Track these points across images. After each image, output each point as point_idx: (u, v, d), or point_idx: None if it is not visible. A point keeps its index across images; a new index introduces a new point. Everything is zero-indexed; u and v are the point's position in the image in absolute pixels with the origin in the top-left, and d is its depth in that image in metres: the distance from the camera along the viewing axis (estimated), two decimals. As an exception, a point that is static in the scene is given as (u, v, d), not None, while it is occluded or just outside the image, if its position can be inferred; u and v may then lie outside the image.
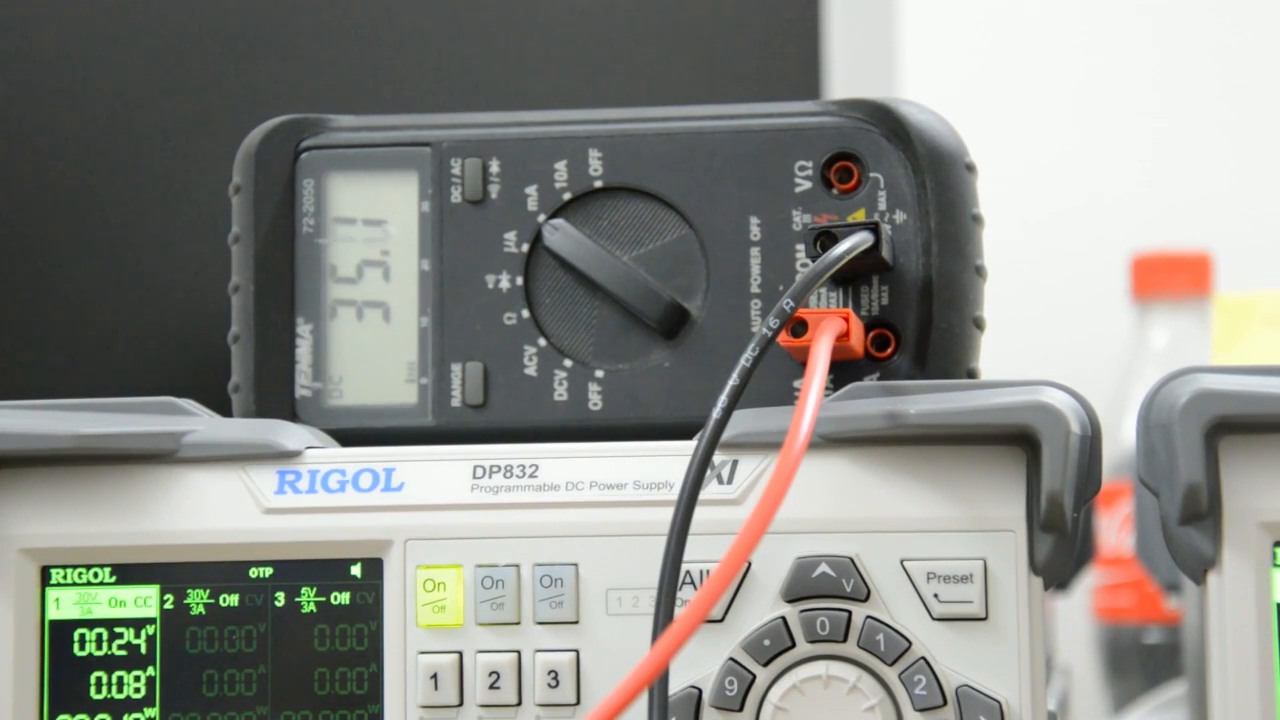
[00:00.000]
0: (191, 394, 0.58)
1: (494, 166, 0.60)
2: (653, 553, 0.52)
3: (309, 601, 0.55)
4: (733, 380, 0.52)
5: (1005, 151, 1.24)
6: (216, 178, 0.64)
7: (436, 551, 0.55)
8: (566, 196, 0.60)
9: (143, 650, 0.55)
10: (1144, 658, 1.08)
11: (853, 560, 0.53)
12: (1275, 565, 0.53)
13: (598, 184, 0.59)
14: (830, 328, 0.54)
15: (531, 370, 0.59)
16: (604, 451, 0.55)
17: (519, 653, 0.54)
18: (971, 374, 0.59)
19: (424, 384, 0.59)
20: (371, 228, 0.60)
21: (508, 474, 0.55)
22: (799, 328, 0.54)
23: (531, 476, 0.55)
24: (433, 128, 0.60)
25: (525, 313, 0.59)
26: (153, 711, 0.55)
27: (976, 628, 0.53)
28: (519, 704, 0.54)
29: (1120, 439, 1.04)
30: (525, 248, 0.60)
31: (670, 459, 0.55)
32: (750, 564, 0.54)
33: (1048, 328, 1.25)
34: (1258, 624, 0.52)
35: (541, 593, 0.54)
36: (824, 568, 0.53)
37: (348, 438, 0.59)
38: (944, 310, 0.58)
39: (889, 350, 0.58)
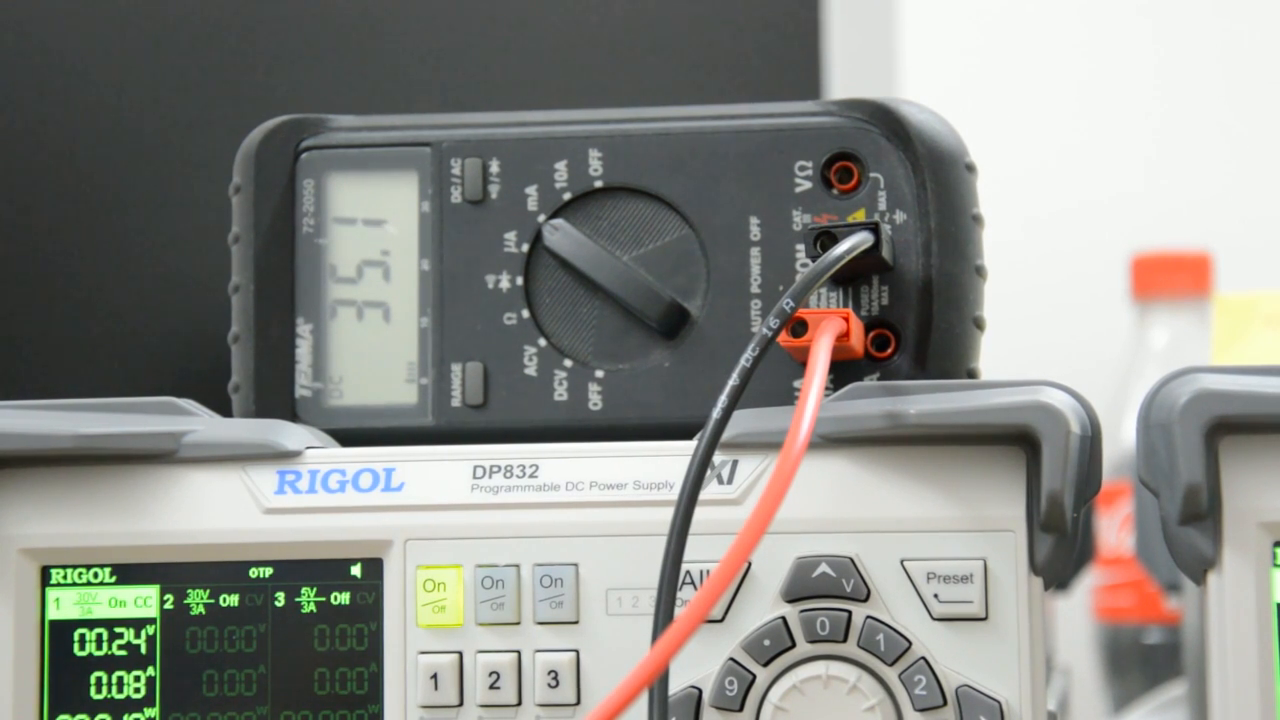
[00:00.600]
0: (191, 394, 0.58)
1: (494, 166, 0.60)
2: (653, 553, 0.52)
3: (309, 601, 0.55)
4: (733, 380, 0.52)
5: (1005, 151, 1.24)
6: (216, 178, 0.64)
7: (436, 551, 0.55)
8: (566, 196, 0.60)
9: (143, 650, 0.55)
10: (1144, 658, 1.08)
11: (853, 560, 0.53)
12: (1275, 565, 0.53)
13: (598, 184, 0.59)
14: (830, 328, 0.54)
15: (531, 370, 0.59)
16: (604, 451, 0.55)
17: (519, 653, 0.54)
18: (971, 374, 0.59)
19: (424, 384, 0.59)
20: (371, 228, 0.60)
21: (508, 474, 0.55)
22: (799, 328, 0.54)
23: (531, 476, 0.55)
24: (433, 128, 0.60)
25: (525, 313, 0.59)
26: (153, 711, 0.55)
27: (976, 628, 0.53)
28: (519, 704, 0.54)
29: (1120, 439, 1.04)
30: (525, 248, 0.60)
31: (670, 459, 0.55)
32: (750, 564, 0.54)
33: (1048, 328, 1.25)
34: (1258, 624, 0.52)
35: (541, 593, 0.54)
36: (824, 568, 0.53)
37: (348, 438, 0.59)
38: (944, 310, 0.58)
39: (889, 350, 0.58)
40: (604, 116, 0.60)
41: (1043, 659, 0.53)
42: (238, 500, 0.55)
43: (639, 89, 0.94)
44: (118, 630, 0.55)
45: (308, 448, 0.56)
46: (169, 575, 0.55)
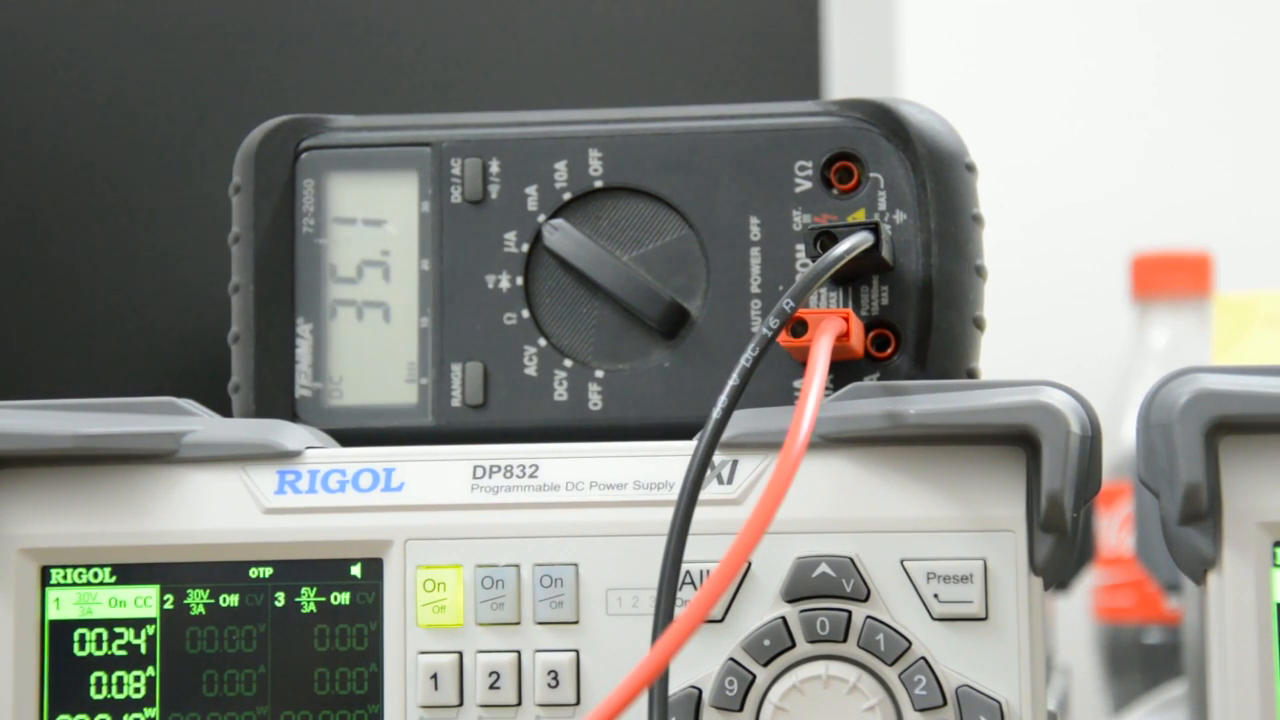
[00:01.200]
0: (191, 394, 0.58)
1: (494, 166, 0.60)
2: (653, 553, 0.52)
3: (309, 601, 0.55)
4: (733, 380, 0.52)
5: (1005, 151, 1.24)
6: (216, 178, 0.64)
7: (436, 551, 0.55)
8: (566, 196, 0.60)
9: (143, 650, 0.55)
10: (1144, 658, 1.08)
11: (853, 560, 0.53)
12: (1275, 565, 0.53)
13: (598, 184, 0.59)
14: (830, 328, 0.54)
15: (531, 370, 0.59)
16: (604, 451, 0.55)
17: (519, 653, 0.54)
18: (971, 374, 0.59)
19: (424, 384, 0.59)
20: (371, 228, 0.60)
21: (508, 474, 0.55)
22: (799, 328, 0.54)
23: (531, 476, 0.55)
24: (433, 128, 0.60)
25: (525, 313, 0.59)
26: (153, 711, 0.55)
27: (976, 628, 0.53)
28: (519, 704, 0.54)
29: (1120, 439, 1.04)
30: (525, 248, 0.60)
31: (670, 459, 0.55)
32: (750, 564, 0.54)
33: (1048, 328, 1.25)
34: (1258, 624, 0.52)
35: (541, 593, 0.54)
36: (824, 568, 0.53)
37: (348, 438, 0.59)
38: (944, 310, 0.58)
39: (889, 350, 0.58)
40: (604, 116, 0.60)
41: (1043, 659, 0.53)
42: (238, 500, 0.55)
43: (639, 89, 0.94)
44: (118, 630, 0.55)
45: (308, 448, 0.56)
46: (169, 575, 0.55)
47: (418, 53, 0.95)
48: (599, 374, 0.59)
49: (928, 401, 0.53)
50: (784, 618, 0.53)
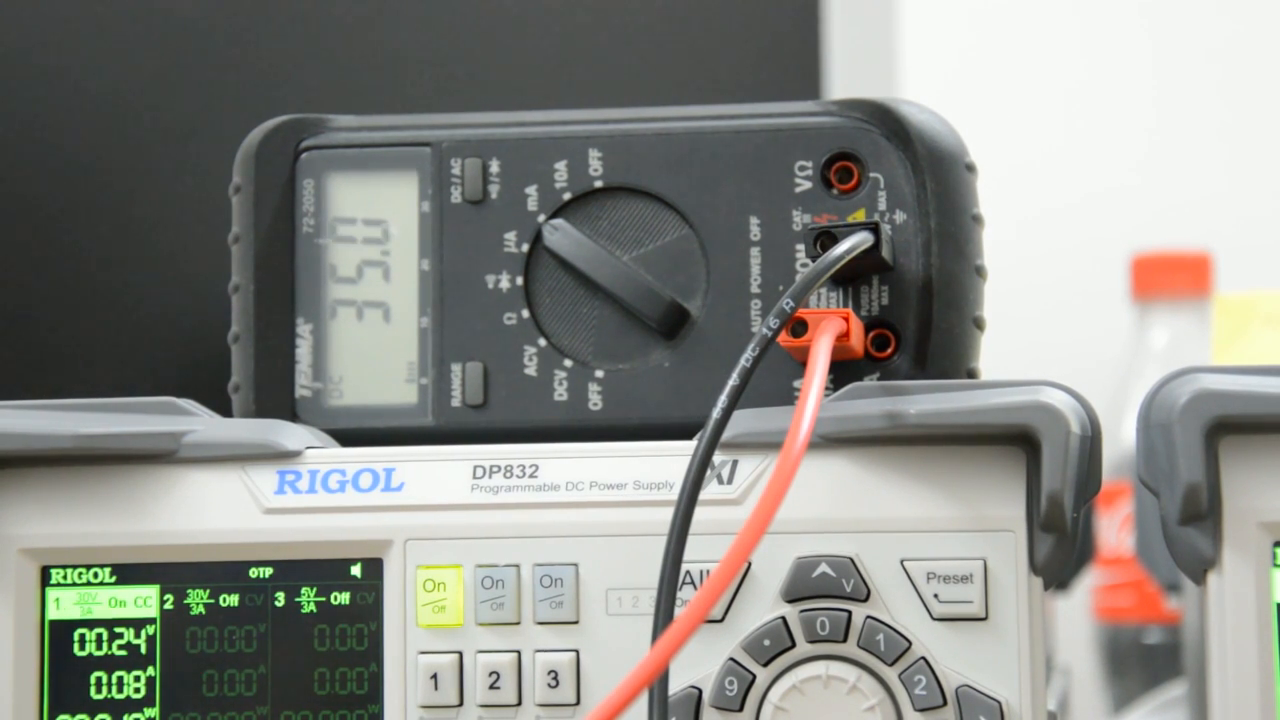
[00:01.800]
0: (191, 394, 0.58)
1: (494, 166, 0.60)
2: (653, 553, 0.52)
3: (309, 601, 0.55)
4: (733, 380, 0.52)
5: (1005, 151, 1.24)
6: (216, 178, 0.64)
7: (436, 551, 0.55)
8: (566, 196, 0.60)
9: (143, 650, 0.55)
10: (1144, 658, 1.08)
11: (853, 560, 0.53)
12: (1275, 565, 0.53)
13: (598, 184, 0.59)
14: (830, 328, 0.54)
15: (531, 370, 0.59)
16: (604, 451, 0.55)
17: (519, 653, 0.54)
18: (971, 374, 0.59)
19: (424, 384, 0.59)
20: (371, 228, 0.60)
21: (508, 474, 0.55)
22: (799, 328, 0.54)
23: (531, 476, 0.55)
24: (433, 128, 0.60)
25: (525, 313, 0.59)
26: (153, 711, 0.55)
27: (976, 628, 0.53)
28: (519, 704, 0.54)
29: (1120, 439, 1.04)
30: (525, 248, 0.60)
31: (670, 459, 0.55)
32: (750, 564, 0.54)
33: (1048, 328, 1.25)
34: (1258, 624, 0.52)
35: (541, 593, 0.54)
36: (824, 568, 0.53)
37: (348, 438, 0.59)
38: (944, 310, 0.58)
39: (889, 350, 0.58)
40: (604, 116, 0.60)
41: (1043, 659, 0.53)
42: (238, 500, 0.55)
43: (639, 89, 0.94)
44: (118, 630, 0.55)
45: (308, 448, 0.56)
46: (169, 575, 0.55)
47: (418, 53, 0.95)
48: (599, 374, 0.59)
49: (928, 401, 0.53)
50: (784, 618, 0.53)
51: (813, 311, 0.55)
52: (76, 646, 0.55)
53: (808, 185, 0.59)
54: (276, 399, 0.60)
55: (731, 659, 0.53)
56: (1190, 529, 0.52)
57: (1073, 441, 0.52)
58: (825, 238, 0.56)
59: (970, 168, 0.59)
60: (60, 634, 0.55)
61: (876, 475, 0.54)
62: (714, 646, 0.53)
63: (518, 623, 0.54)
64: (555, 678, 0.54)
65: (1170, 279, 1.12)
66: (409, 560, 0.55)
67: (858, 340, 0.56)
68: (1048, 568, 0.53)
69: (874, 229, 0.56)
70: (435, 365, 0.59)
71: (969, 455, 0.54)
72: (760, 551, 0.53)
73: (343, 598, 0.55)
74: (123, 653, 0.55)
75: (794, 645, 0.53)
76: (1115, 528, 1.08)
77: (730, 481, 0.54)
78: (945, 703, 0.53)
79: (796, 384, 0.58)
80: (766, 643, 0.53)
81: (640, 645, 0.53)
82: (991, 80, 1.31)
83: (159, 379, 0.91)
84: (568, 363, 0.59)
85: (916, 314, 0.58)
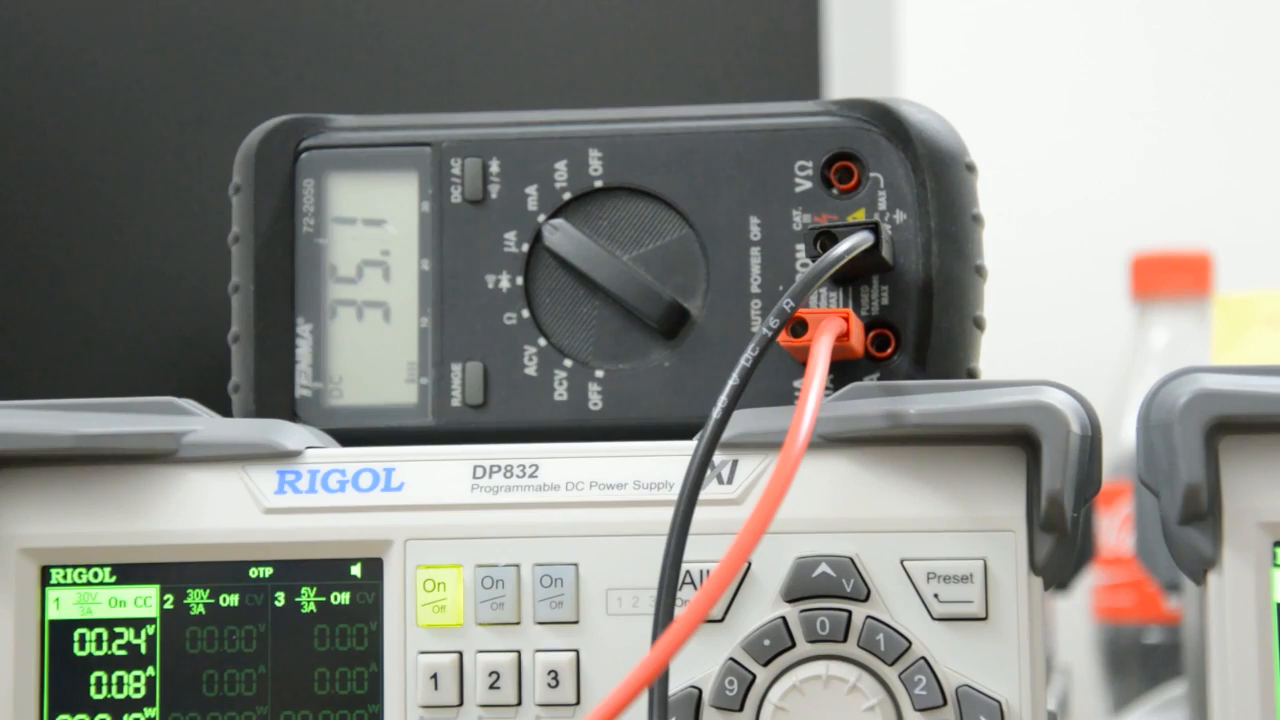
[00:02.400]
0: (191, 394, 0.58)
1: (494, 166, 0.60)
2: (653, 553, 0.52)
3: (309, 601, 0.55)
4: (733, 380, 0.52)
5: (1006, 151, 1.24)
6: (216, 178, 0.64)
7: (436, 551, 0.55)
8: (566, 196, 0.60)
9: (143, 650, 0.55)
10: (1144, 658, 1.08)
11: (853, 560, 0.53)
12: (1275, 565, 0.53)
13: (598, 184, 0.59)
14: (830, 328, 0.54)
15: (531, 370, 0.59)
16: (604, 451, 0.55)
17: (519, 653, 0.54)
18: (971, 374, 0.59)
19: (424, 384, 0.59)
20: (371, 228, 0.60)
21: (508, 474, 0.55)
22: (799, 328, 0.54)
23: (531, 476, 0.55)
24: (433, 128, 0.60)
25: (525, 313, 0.59)
26: (153, 711, 0.55)
27: (976, 628, 0.53)
28: (519, 704, 0.54)
29: (1120, 439, 1.04)
30: (525, 248, 0.60)
31: (670, 459, 0.55)
32: (750, 564, 0.54)
33: (1048, 328, 1.25)
34: (1258, 624, 0.52)
35: (541, 593, 0.54)
36: (824, 568, 0.53)
37: (348, 438, 0.59)
38: (944, 310, 0.58)
39: (889, 350, 0.58)
40: (604, 116, 0.60)
41: (1043, 659, 0.53)
42: (238, 500, 0.55)
43: (639, 89, 0.94)
44: (118, 630, 0.55)
45: (308, 448, 0.56)
46: (169, 575, 0.55)
47: (418, 53, 0.95)
48: (599, 374, 0.59)
49: (928, 401, 0.53)
50: (784, 618, 0.53)
51: (813, 311, 0.55)
52: (76, 646, 0.55)
53: (808, 185, 0.59)
54: (276, 399, 0.60)
55: (731, 659, 0.53)
56: (1190, 529, 0.52)
57: (1073, 441, 0.52)
58: (825, 238, 0.56)
59: (970, 168, 0.59)
60: (60, 634, 0.55)
61: (876, 475, 0.54)
62: (714, 646, 0.53)
63: (518, 623, 0.54)
64: (555, 678, 0.54)
65: (1170, 279, 1.12)
66: (409, 560, 0.55)
67: (858, 340, 0.56)
68: (1048, 568, 0.53)
69: (874, 229, 0.56)
70: (435, 365, 0.59)
71: (969, 455, 0.54)
72: (760, 551, 0.53)
73: (343, 598, 0.55)
74: (123, 653, 0.55)
75: (794, 645, 0.53)
76: (1115, 528, 1.08)
77: (730, 481, 0.54)
78: (945, 703, 0.53)
79: (796, 384, 0.58)
80: (766, 643, 0.53)
81: (640, 645, 0.53)
82: (991, 80, 1.31)
83: (159, 379, 0.91)
84: (568, 363, 0.59)
85: (916, 314, 0.58)
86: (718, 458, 0.54)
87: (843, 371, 0.57)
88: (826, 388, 0.54)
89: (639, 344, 0.59)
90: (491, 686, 0.54)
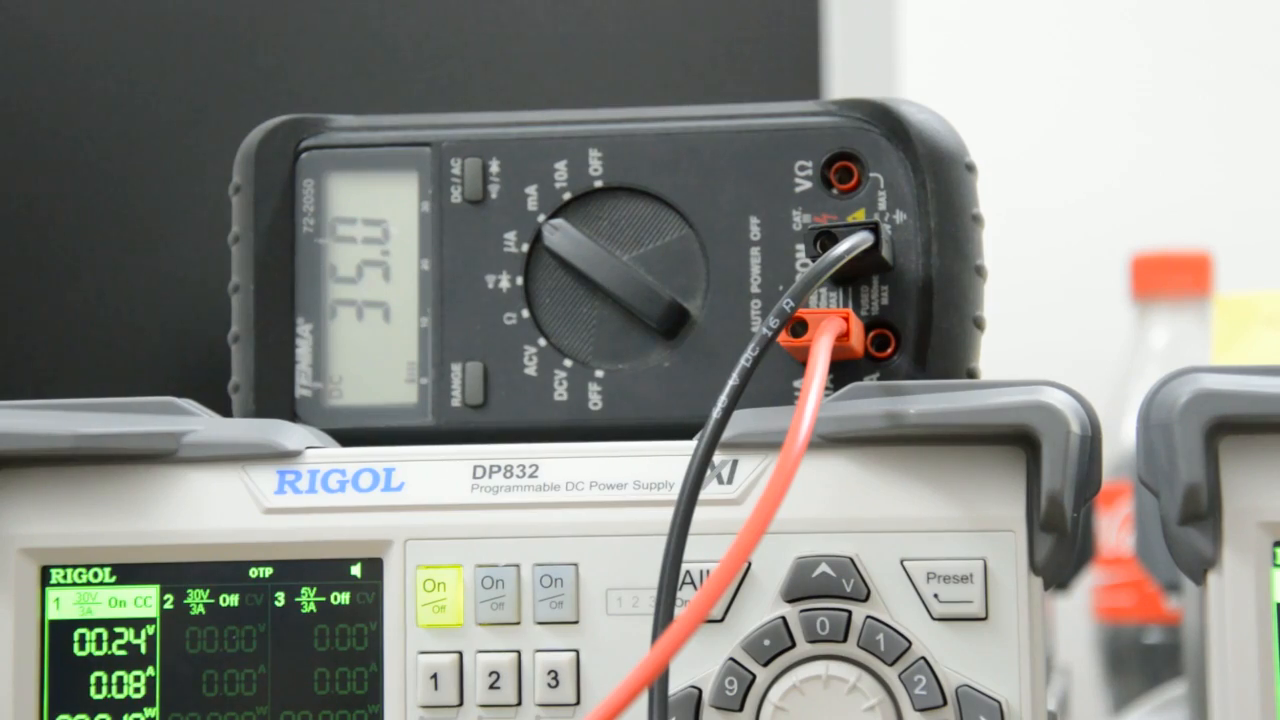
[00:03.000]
0: (191, 394, 0.58)
1: (494, 166, 0.60)
2: (653, 553, 0.52)
3: (309, 601, 0.55)
4: (733, 380, 0.52)
5: (1005, 151, 1.24)
6: (216, 178, 0.64)
7: (436, 551, 0.55)
8: (566, 196, 0.60)
9: (143, 650, 0.55)
10: (1144, 658, 1.08)
11: (853, 560, 0.53)
12: (1275, 565, 0.53)
13: (598, 184, 0.59)
14: (830, 328, 0.54)
15: (531, 370, 0.59)
16: (604, 451, 0.55)
17: (519, 653, 0.54)
18: (971, 374, 0.59)
19: (424, 384, 0.59)
20: (371, 228, 0.60)
21: (508, 474, 0.55)
22: (799, 328, 0.54)
23: (531, 476, 0.55)
24: (433, 128, 0.60)
25: (525, 313, 0.59)
26: (153, 711, 0.55)
27: (976, 628, 0.53)
28: (519, 704, 0.54)
29: (1120, 439, 1.04)
30: (525, 248, 0.60)
31: (670, 459, 0.55)
32: (750, 564, 0.54)
33: (1048, 327, 1.25)
34: (1258, 624, 0.52)
35: (541, 593, 0.54)
36: (824, 568, 0.53)
37: (348, 438, 0.59)
38: (944, 310, 0.58)
39: (889, 350, 0.58)
40: (604, 116, 0.60)
41: (1043, 659, 0.53)
42: (238, 500, 0.55)
43: (639, 89, 0.94)
44: (118, 630, 0.55)
45: (308, 448, 0.56)
46: (169, 575, 0.55)
47: (418, 53, 0.95)
48: (599, 374, 0.59)
49: (928, 401, 0.53)
50: (784, 618, 0.53)
51: (813, 311, 0.55)
52: (76, 646, 0.55)
53: (808, 185, 0.59)
54: (276, 399, 0.60)
55: (731, 659, 0.53)
56: (1190, 529, 0.52)
57: (1073, 441, 0.52)
58: (825, 238, 0.56)
59: (970, 168, 0.59)
60: (60, 634, 0.55)
61: (876, 475, 0.54)
62: (714, 646, 0.53)
63: (518, 623, 0.54)
64: (555, 678, 0.54)
65: (1170, 279, 1.12)
66: (409, 560, 0.55)
67: (858, 340, 0.56)
68: (1048, 568, 0.53)
69: (874, 229, 0.56)
70: (435, 365, 0.59)
71: (969, 455, 0.54)
72: (760, 551, 0.53)
73: (343, 598, 0.55)
74: (123, 653, 0.55)
75: (794, 645, 0.53)
76: (1115, 528, 1.08)
77: (730, 481, 0.54)
78: (945, 703, 0.53)
79: (796, 384, 0.58)
80: (766, 643, 0.53)
81: (640, 645, 0.53)
82: (991, 80, 1.31)
83: (159, 379, 0.91)
84: (568, 363, 0.59)
85: (916, 314, 0.58)
86: (718, 458, 0.54)
87: (843, 371, 0.57)
88: (826, 388, 0.54)
89: (639, 344, 0.59)
90: (491, 686, 0.54)
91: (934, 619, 0.53)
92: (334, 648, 0.55)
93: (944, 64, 1.28)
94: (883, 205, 0.58)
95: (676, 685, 0.53)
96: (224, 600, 0.55)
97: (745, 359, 0.52)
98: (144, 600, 0.55)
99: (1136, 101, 1.30)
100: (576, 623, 0.54)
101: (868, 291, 0.58)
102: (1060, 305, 1.27)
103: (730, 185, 0.59)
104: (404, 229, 0.60)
